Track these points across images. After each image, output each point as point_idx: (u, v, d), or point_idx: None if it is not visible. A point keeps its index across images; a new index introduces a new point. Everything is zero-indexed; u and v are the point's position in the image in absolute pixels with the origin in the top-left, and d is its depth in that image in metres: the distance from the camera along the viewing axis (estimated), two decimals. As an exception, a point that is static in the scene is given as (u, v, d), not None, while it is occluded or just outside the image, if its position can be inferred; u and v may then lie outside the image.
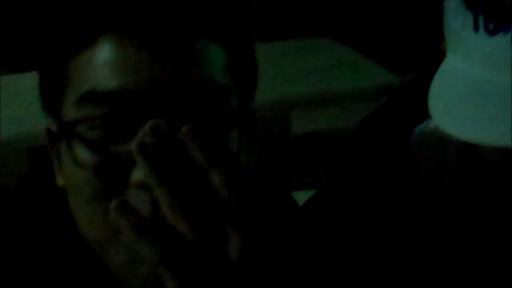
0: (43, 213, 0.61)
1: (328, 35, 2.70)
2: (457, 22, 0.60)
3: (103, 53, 0.53)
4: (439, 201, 0.70)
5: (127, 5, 0.53)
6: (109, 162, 0.52)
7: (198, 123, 0.50)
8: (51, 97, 0.57)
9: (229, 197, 0.47)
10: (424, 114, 0.74)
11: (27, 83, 2.08)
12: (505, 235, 0.68)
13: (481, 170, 0.67)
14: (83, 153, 0.53)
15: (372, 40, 3.28)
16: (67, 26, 0.56)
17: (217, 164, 0.47)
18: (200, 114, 0.53)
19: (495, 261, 0.69)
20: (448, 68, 0.62)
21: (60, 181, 0.59)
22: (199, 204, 0.47)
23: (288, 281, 0.54)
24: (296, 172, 2.43)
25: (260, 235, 0.48)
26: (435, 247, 0.70)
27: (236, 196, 0.47)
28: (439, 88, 0.62)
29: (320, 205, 0.77)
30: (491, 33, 0.56)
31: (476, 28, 0.58)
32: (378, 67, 2.33)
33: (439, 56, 0.65)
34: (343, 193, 0.75)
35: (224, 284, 0.46)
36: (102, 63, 0.53)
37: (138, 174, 0.49)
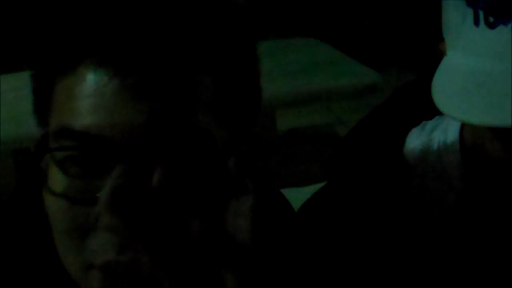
0: (31, 231, 0.60)
1: (312, 35, 2.71)
2: (457, 18, 0.62)
3: (82, 85, 0.50)
4: (439, 205, 0.70)
5: (110, 36, 0.49)
6: (80, 197, 0.50)
7: (176, 166, 0.48)
8: (40, 113, 0.56)
9: (213, 244, 0.46)
10: (420, 116, 0.74)
11: (10, 84, 2.06)
12: (510, 236, 0.67)
13: (486, 170, 0.66)
14: (57, 180, 0.51)
15: (356, 39, 3.29)
16: (51, 48, 0.53)
17: (196, 212, 0.46)
18: (178, 159, 0.49)
19: (496, 263, 0.68)
20: (449, 64, 0.63)
21: None
22: (183, 252, 0.46)
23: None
24: (282, 170, 2.44)
25: (256, 270, 0.47)
26: (435, 252, 0.69)
27: (220, 242, 0.46)
28: (442, 82, 0.62)
29: (317, 210, 0.76)
30: (491, 26, 0.58)
31: (476, 22, 0.59)
32: (362, 66, 2.34)
33: (437, 56, 0.66)
34: (339, 197, 0.75)
35: None
36: (78, 97, 0.50)
37: (106, 218, 0.48)
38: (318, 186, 1.01)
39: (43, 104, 0.54)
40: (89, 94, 0.50)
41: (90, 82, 0.50)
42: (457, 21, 0.62)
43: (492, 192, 0.68)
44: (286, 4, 3.57)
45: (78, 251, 0.50)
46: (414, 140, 0.72)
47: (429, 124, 0.73)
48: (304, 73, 2.32)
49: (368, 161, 0.74)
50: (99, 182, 0.49)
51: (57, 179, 0.51)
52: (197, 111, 0.50)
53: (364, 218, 0.71)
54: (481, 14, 0.59)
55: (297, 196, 0.82)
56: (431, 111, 0.74)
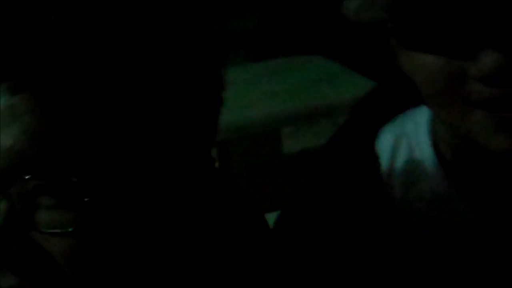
0: None
1: (317, 51, 2.71)
2: None
3: None
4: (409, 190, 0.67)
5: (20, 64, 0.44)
6: None
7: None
8: None
9: None
10: (389, 116, 0.71)
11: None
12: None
13: (477, 164, 0.63)
14: None
15: (359, 53, 3.28)
16: None
17: None
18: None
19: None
20: None
21: None
22: None
23: None
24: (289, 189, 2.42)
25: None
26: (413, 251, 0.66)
27: None
28: None
29: (296, 216, 0.74)
30: None
31: None
32: (362, 77, 2.33)
33: None
34: (318, 204, 0.72)
35: None
36: None
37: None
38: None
39: None
40: None
41: None
42: None
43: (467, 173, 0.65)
44: (291, 24, 3.58)
45: None
46: (387, 134, 0.70)
47: (400, 116, 0.71)
48: (307, 90, 2.33)
49: (343, 162, 0.72)
50: None
51: None
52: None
53: (341, 224, 0.69)
54: None
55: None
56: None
